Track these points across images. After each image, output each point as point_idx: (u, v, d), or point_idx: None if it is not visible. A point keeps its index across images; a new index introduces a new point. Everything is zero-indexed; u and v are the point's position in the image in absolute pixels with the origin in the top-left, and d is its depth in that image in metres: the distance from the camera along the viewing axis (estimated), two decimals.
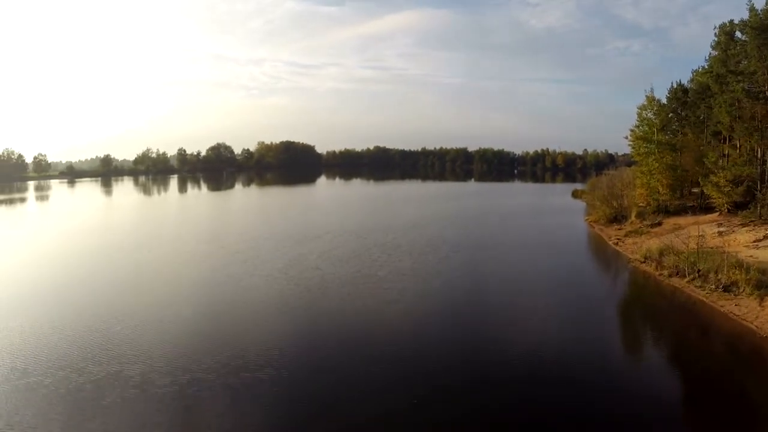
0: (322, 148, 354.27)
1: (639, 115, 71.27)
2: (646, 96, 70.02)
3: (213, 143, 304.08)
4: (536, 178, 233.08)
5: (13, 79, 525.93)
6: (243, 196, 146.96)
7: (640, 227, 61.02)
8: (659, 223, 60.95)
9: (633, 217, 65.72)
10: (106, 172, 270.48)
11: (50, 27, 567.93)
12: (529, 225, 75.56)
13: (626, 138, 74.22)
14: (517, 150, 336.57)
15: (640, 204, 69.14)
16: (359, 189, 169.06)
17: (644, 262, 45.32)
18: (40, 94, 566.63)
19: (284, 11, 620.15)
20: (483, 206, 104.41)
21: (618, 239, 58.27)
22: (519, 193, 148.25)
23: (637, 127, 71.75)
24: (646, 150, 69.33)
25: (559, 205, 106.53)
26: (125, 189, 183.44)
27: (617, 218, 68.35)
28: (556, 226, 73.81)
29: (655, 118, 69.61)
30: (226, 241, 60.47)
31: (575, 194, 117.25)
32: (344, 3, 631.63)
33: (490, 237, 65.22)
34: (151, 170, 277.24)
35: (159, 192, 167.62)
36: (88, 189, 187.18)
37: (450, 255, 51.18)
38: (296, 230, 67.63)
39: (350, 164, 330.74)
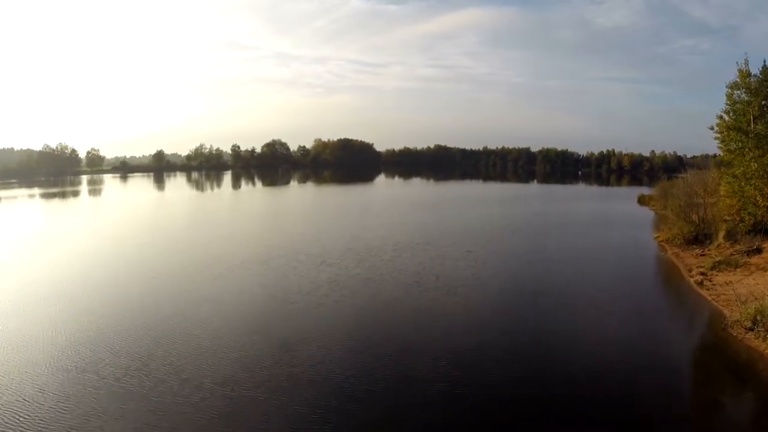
0: (381, 147, 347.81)
1: (728, 96, 51.04)
2: (739, 71, 49.95)
3: (269, 140, 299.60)
4: (601, 180, 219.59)
5: (71, 74, 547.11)
6: (298, 195, 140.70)
7: (732, 254, 44.25)
8: (758, 249, 44.00)
9: (720, 239, 49.45)
10: (159, 167, 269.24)
11: (110, 23, 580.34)
12: (584, 245, 58.11)
13: (712, 129, 52.75)
14: (582, 150, 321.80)
15: (727, 217, 52.40)
16: (420, 189, 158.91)
17: (752, 329, 27.35)
18: (96, 89, 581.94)
19: (349, 10, 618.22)
20: (539, 214, 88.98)
21: (702, 274, 40.51)
22: (581, 197, 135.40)
23: (727, 113, 51.21)
24: (740, 145, 49.70)
25: (624, 213, 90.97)
26: (178, 184, 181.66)
27: (698, 238, 52.56)
28: (618, 247, 57.74)
29: (752, 100, 49.23)
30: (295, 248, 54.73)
31: (642, 200, 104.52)
32: (408, 1, 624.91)
33: (529, 267, 47.32)
34: (204, 166, 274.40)
35: (212, 188, 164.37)
36: (142, 184, 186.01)
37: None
38: (359, 238, 59.68)
39: (409, 163, 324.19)
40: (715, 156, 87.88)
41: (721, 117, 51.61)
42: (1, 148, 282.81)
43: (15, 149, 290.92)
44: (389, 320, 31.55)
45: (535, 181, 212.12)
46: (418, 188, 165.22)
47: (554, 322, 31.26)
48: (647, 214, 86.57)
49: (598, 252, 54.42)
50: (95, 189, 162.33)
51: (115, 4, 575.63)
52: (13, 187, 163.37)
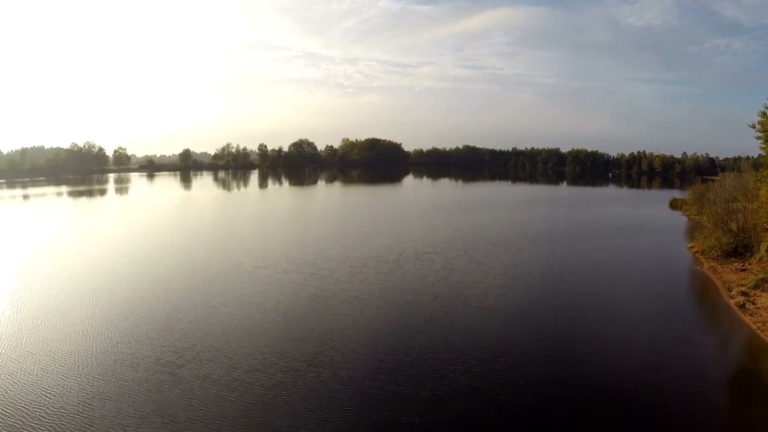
0: (409, 147, 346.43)
1: None
2: None
3: (295, 139, 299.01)
4: (631, 183, 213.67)
5: (100, 73, 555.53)
6: (327, 195, 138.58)
7: None
8: None
9: (763, 251, 43.32)
10: (185, 166, 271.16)
11: (139, 22, 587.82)
12: (611, 258, 52.71)
13: (753, 127, 47.35)
14: (612, 152, 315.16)
15: None
16: (449, 191, 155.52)
17: None
18: (125, 88, 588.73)
19: (379, 10, 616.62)
20: (566, 221, 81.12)
21: (743, 294, 35.28)
22: (611, 200, 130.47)
23: None
24: None
25: (655, 219, 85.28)
26: (204, 183, 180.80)
27: (737, 250, 47.12)
28: (649, 258, 52.13)
29: None
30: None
31: (674, 204, 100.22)
32: (439, 1, 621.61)
33: (547, 283, 41.91)
34: (231, 165, 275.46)
35: (239, 187, 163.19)
36: (168, 183, 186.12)
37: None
38: (390, 243, 57.96)
39: (437, 163, 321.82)
40: (749, 158, 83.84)
41: (764, 113, 46.07)
42: (31, 146, 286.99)
43: (45, 147, 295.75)
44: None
45: (565, 182, 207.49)
46: (446, 189, 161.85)
47: (575, 356, 26.76)
48: (680, 219, 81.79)
49: (627, 266, 49.47)
50: (122, 188, 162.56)
51: (146, 4, 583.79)
52: (41, 185, 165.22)
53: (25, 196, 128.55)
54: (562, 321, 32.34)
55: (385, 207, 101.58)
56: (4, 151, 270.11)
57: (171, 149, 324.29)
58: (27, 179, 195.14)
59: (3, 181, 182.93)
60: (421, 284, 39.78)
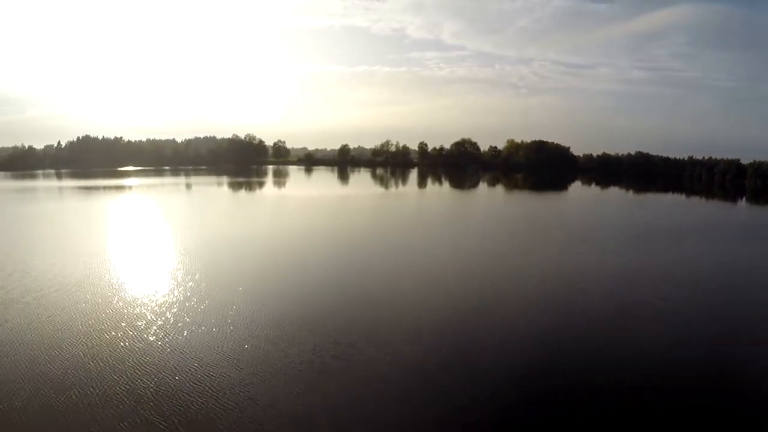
0: (578, 151, 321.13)
1: None
2: None
3: (456, 138, 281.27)
4: None
5: (264, 67, 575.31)
6: (491, 200, 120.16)
7: None
8: None
9: None
10: (343, 161, 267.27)
11: (305, 21, 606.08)
12: None
13: None
14: None
15: None
16: (619, 205, 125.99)
17: None
18: (288, 82, 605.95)
19: (553, 9, 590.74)
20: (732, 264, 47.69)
21: None
22: None
23: None
24: None
25: None
26: (363, 179, 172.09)
27: None
28: None
29: None
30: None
31: None
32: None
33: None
34: (390, 162, 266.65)
35: (397, 185, 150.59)
36: (326, 177, 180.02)
37: None
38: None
39: (606, 170, 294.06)
40: None
41: None
42: (204, 136, 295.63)
43: (201, 137, 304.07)
44: None
45: (744, 198, 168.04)
46: (616, 199, 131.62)
47: None
48: None
49: None
50: (280, 181, 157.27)
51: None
52: (202, 174, 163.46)
53: (188, 185, 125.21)
54: None
55: (573, 222, 77.32)
56: (179, 140, 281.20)
57: (330, 144, 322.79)
58: (190, 167, 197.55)
59: (168, 168, 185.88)
60: None
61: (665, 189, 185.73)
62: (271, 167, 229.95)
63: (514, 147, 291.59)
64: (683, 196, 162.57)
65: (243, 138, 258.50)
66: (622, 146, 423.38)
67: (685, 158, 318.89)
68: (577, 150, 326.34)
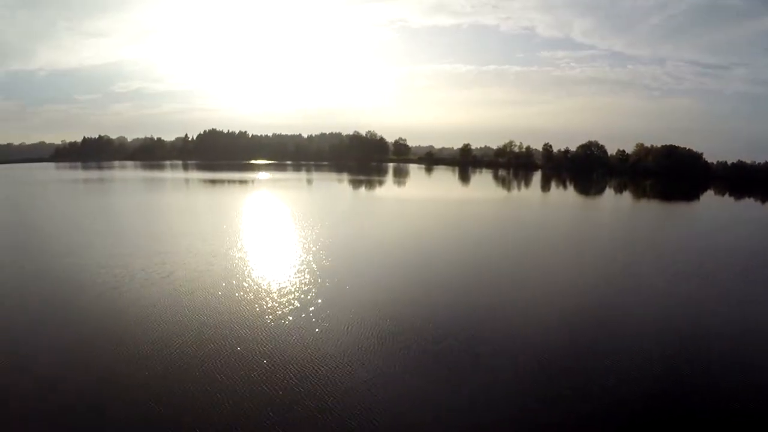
0: (711, 158, 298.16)
1: None
2: None
3: (583, 141, 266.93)
4: None
5: (386, 65, 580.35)
6: (625, 211, 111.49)
7: None
8: None
9: None
10: (464, 161, 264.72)
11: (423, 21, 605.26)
12: None
13: None
14: None
15: None
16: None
17: None
18: (408, 81, 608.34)
19: (687, 6, 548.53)
20: None
21: None
22: None
23: None
24: None
25: None
26: (484, 180, 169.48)
27: None
28: None
29: None
30: None
31: None
32: None
33: None
34: (513, 163, 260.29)
35: (519, 188, 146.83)
36: (446, 177, 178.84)
37: None
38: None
39: (742, 178, 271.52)
40: None
41: None
42: (329, 132, 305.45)
43: (325, 133, 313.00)
44: None
45: None
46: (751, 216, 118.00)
47: None
48: None
49: None
50: (400, 180, 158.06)
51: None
52: (324, 170, 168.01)
53: (309, 180, 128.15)
54: None
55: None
56: (304, 135, 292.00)
57: (450, 143, 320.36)
58: (312, 163, 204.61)
59: (290, 162, 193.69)
60: None
61: None
62: (391, 165, 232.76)
63: (643, 151, 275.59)
64: None
65: (364, 135, 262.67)
66: (759, 154, 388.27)
67: None
68: (711, 157, 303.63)
